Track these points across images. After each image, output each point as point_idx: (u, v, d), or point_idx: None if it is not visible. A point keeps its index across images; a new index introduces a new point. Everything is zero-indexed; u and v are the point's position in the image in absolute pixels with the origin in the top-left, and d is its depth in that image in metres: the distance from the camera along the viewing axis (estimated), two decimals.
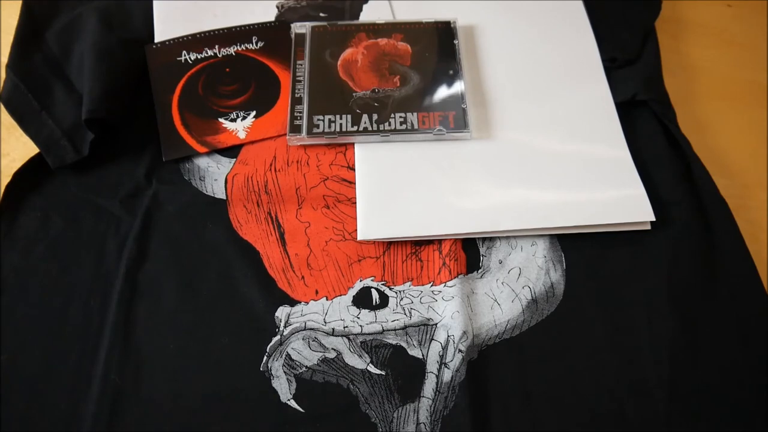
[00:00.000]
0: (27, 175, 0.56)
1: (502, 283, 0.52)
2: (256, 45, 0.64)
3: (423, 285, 0.51)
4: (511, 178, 0.56)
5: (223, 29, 0.64)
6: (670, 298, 0.50)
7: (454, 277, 0.51)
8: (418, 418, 0.46)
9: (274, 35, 0.64)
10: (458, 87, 0.60)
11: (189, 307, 0.50)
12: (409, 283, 0.52)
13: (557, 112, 0.60)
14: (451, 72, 0.61)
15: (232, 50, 0.63)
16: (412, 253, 0.53)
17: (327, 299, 0.51)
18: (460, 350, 0.48)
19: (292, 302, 0.51)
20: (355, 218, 0.54)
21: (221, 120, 0.59)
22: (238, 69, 0.62)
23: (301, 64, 0.62)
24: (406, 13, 0.67)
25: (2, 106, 0.58)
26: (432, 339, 0.49)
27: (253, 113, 0.60)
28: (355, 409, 0.47)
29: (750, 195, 0.59)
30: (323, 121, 0.58)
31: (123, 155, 0.58)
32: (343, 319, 0.50)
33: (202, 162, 0.58)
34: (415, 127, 0.58)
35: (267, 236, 0.54)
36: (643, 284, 0.51)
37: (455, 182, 0.55)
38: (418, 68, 0.62)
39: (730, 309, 0.50)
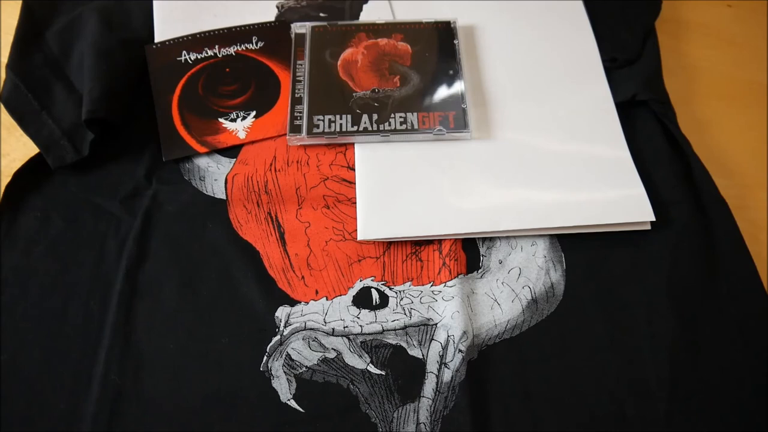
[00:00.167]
0: (27, 175, 0.56)
1: (502, 283, 0.52)
2: (256, 45, 0.64)
3: (423, 285, 0.51)
4: (511, 178, 0.56)
5: (223, 29, 0.64)
6: (670, 298, 0.50)
7: (454, 277, 0.51)
8: (418, 418, 0.46)
9: (274, 35, 0.64)
10: (458, 87, 0.60)
11: (189, 307, 0.50)
12: (409, 283, 0.52)
13: (557, 112, 0.60)
14: (451, 72, 0.61)
15: (232, 50, 0.63)
16: (412, 253, 0.53)
17: (327, 299, 0.51)
18: (460, 350, 0.48)
19: (292, 302, 0.51)
20: (355, 218, 0.54)
21: (221, 120, 0.59)
22: (238, 69, 0.62)
23: (301, 64, 0.62)
24: (406, 13, 0.67)
25: (2, 106, 0.58)
26: (432, 339, 0.49)
27: (253, 113, 0.60)
28: (355, 409, 0.47)
29: (750, 195, 0.59)
30: (323, 121, 0.58)
31: (123, 155, 0.58)
32: (343, 319, 0.50)
33: (202, 162, 0.58)
34: (415, 127, 0.58)
35: (267, 236, 0.54)
36: (643, 284, 0.51)
37: (455, 182, 0.55)
38: (418, 68, 0.62)
39: (730, 309, 0.50)
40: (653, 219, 0.53)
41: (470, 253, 0.53)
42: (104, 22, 0.62)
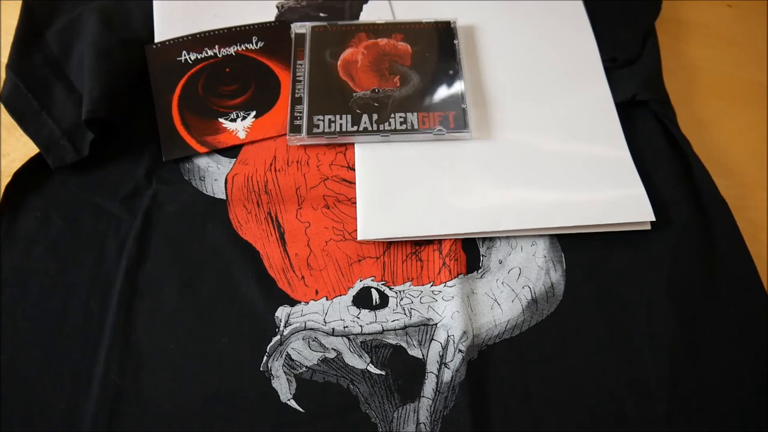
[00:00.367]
0: (27, 175, 0.56)
1: (502, 283, 0.52)
2: (256, 45, 0.64)
3: (423, 285, 0.51)
4: (511, 178, 0.56)
5: (223, 29, 0.64)
6: (670, 298, 0.50)
7: (454, 277, 0.51)
8: (418, 418, 0.46)
9: (274, 35, 0.64)
10: (458, 87, 0.60)
11: (189, 307, 0.50)
12: (409, 283, 0.52)
13: (557, 112, 0.60)
14: (451, 72, 0.61)
15: (232, 50, 0.63)
16: (412, 253, 0.53)
17: (327, 299, 0.51)
18: (460, 350, 0.48)
19: (292, 302, 0.51)
20: (355, 218, 0.54)
21: (221, 120, 0.59)
22: (238, 69, 0.62)
23: (301, 64, 0.62)
24: (406, 13, 0.67)
25: (2, 106, 0.58)
26: (432, 339, 0.49)
27: (253, 113, 0.60)
28: (355, 409, 0.47)
29: (750, 195, 0.59)
30: (323, 121, 0.58)
31: (123, 155, 0.58)
32: (343, 319, 0.50)
33: (202, 162, 0.58)
34: (415, 127, 0.58)
35: (267, 236, 0.54)
36: (643, 284, 0.51)
37: (455, 182, 0.55)
38: (418, 68, 0.62)
39: (730, 309, 0.50)
40: (653, 219, 0.53)
41: (470, 253, 0.53)
42: (104, 22, 0.62)
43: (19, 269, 0.52)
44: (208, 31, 0.64)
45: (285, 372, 0.48)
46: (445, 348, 0.48)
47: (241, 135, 0.59)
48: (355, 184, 0.56)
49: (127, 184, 0.56)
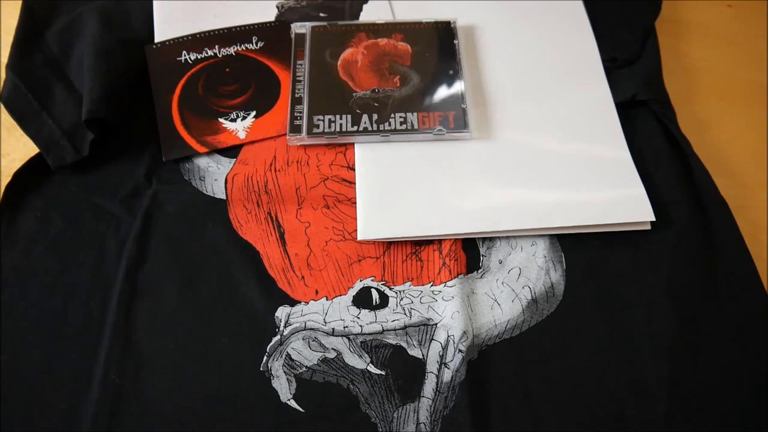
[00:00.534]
0: (27, 175, 0.56)
1: (502, 283, 0.52)
2: (256, 45, 0.64)
3: (423, 285, 0.51)
4: (511, 178, 0.56)
5: (223, 29, 0.64)
6: (670, 298, 0.50)
7: (454, 277, 0.51)
8: (418, 418, 0.46)
9: (274, 35, 0.64)
10: (458, 87, 0.60)
11: (189, 307, 0.50)
12: (409, 283, 0.52)
13: (557, 112, 0.60)
14: (451, 72, 0.61)
15: (232, 50, 0.63)
16: (412, 253, 0.53)
17: (327, 299, 0.51)
18: (460, 350, 0.48)
19: (292, 302, 0.51)
20: (355, 218, 0.54)
21: (221, 120, 0.59)
22: (238, 69, 0.62)
23: (301, 64, 0.62)
24: (406, 13, 0.67)
25: (2, 106, 0.58)
26: (432, 339, 0.49)
27: (253, 113, 0.60)
28: (355, 409, 0.47)
29: (750, 195, 0.59)
30: (323, 121, 0.58)
31: (123, 155, 0.58)
32: (343, 319, 0.50)
33: (202, 162, 0.58)
34: (415, 127, 0.58)
35: (267, 236, 0.54)
36: (643, 284, 0.51)
37: (455, 182, 0.55)
38: (418, 68, 0.62)
39: (730, 309, 0.50)
40: (653, 219, 0.53)
41: (470, 253, 0.53)
42: (104, 22, 0.62)
43: (19, 269, 0.52)
44: (208, 31, 0.64)
45: (285, 372, 0.48)
46: (445, 348, 0.48)
47: (241, 135, 0.59)
48: (355, 184, 0.56)
49: (127, 184, 0.56)
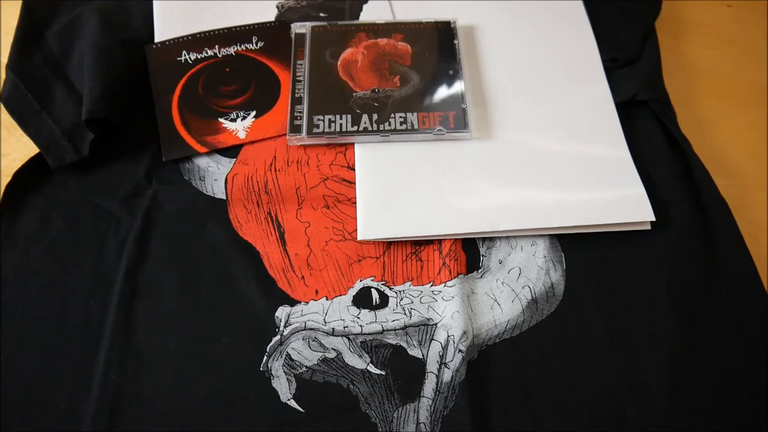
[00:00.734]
0: (27, 175, 0.56)
1: (502, 283, 0.52)
2: (256, 45, 0.64)
3: (423, 285, 0.51)
4: (511, 178, 0.56)
5: (223, 29, 0.64)
6: (670, 298, 0.50)
7: (454, 277, 0.51)
8: (418, 417, 0.46)
9: (274, 35, 0.64)
10: (458, 87, 0.60)
11: (189, 307, 0.50)
12: (409, 283, 0.52)
13: (557, 112, 0.60)
14: (451, 72, 0.61)
15: (232, 50, 0.63)
16: (412, 253, 0.53)
17: (327, 299, 0.51)
18: (460, 350, 0.48)
19: (292, 302, 0.51)
20: (355, 218, 0.54)
21: (221, 120, 0.59)
22: (238, 69, 0.62)
23: (301, 64, 0.62)
24: (406, 13, 0.67)
25: (2, 106, 0.58)
26: (432, 339, 0.49)
27: (253, 113, 0.60)
28: (355, 409, 0.47)
29: (750, 195, 0.59)
30: (323, 121, 0.58)
31: (123, 155, 0.58)
32: (343, 319, 0.50)
33: (202, 162, 0.58)
34: (415, 127, 0.58)
35: (267, 236, 0.54)
36: (643, 284, 0.51)
37: (455, 182, 0.55)
38: (418, 68, 0.62)
39: (730, 309, 0.50)
40: (653, 219, 0.53)
41: (470, 253, 0.53)
42: (104, 22, 0.62)
43: (19, 269, 0.52)
44: (208, 31, 0.64)
45: (285, 372, 0.48)
46: (445, 348, 0.48)
47: (241, 135, 0.59)
48: (355, 184, 0.56)
49: (127, 184, 0.56)
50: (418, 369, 0.48)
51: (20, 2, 0.64)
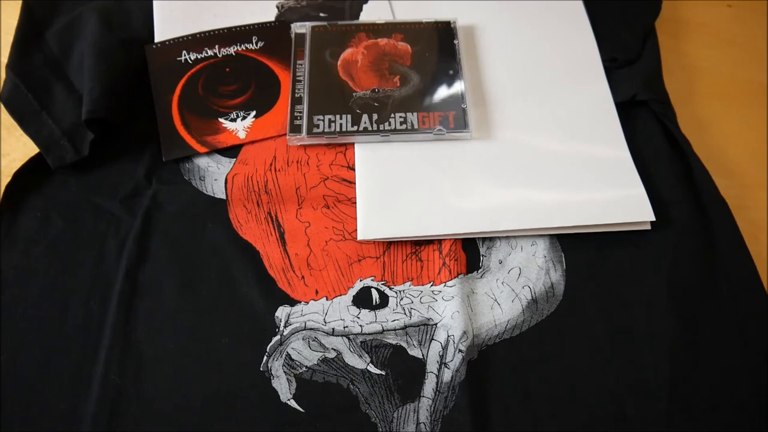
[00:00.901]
0: (27, 175, 0.56)
1: (502, 283, 0.52)
2: (256, 45, 0.64)
3: (423, 285, 0.51)
4: (511, 178, 0.56)
5: (223, 29, 0.64)
6: (670, 298, 0.50)
7: (454, 277, 0.51)
8: (418, 417, 0.46)
9: (274, 35, 0.64)
10: (458, 87, 0.60)
11: (189, 307, 0.50)
12: (409, 283, 0.52)
13: (557, 112, 0.60)
14: (451, 72, 0.61)
15: (232, 50, 0.63)
16: (412, 253, 0.53)
17: (327, 299, 0.51)
18: (460, 350, 0.48)
19: (292, 302, 0.51)
20: (355, 218, 0.54)
21: (221, 120, 0.59)
22: (238, 69, 0.62)
23: (301, 64, 0.62)
24: (406, 13, 0.67)
25: (2, 106, 0.58)
26: (432, 339, 0.49)
27: (253, 113, 0.60)
28: (355, 409, 0.47)
29: (750, 195, 0.59)
30: (323, 121, 0.58)
31: (123, 155, 0.58)
32: (343, 319, 0.50)
33: (202, 162, 0.58)
34: (415, 127, 0.58)
35: (267, 236, 0.54)
36: (643, 284, 0.51)
37: (455, 182, 0.55)
38: (418, 68, 0.62)
39: (730, 309, 0.50)
40: (653, 219, 0.53)
41: (470, 253, 0.53)
42: (104, 22, 0.62)
43: (19, 269, 0.52)
44: (208, 31, 0.64)
45: (285, 372, 0.48)
46: (445, 348, 0.48)
47: (241, 135, 0.59)
48: (355, 184, 0.56)
49: (127, 184, 0.56)
50: (418, 369, 0.48)
51: (20, 2, 0.64)
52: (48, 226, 0.54)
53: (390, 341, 0.49)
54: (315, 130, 0.57)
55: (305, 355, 0.48)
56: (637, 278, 0.51)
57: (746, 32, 0.71)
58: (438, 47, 0.63)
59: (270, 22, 0.65)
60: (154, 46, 0.63)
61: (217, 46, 0.63)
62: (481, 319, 0.50)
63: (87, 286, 0.51)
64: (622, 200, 0.54)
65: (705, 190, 0.55)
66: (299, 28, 0.64)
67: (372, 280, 0.52)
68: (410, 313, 0.50)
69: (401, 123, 0.58)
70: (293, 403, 0.47)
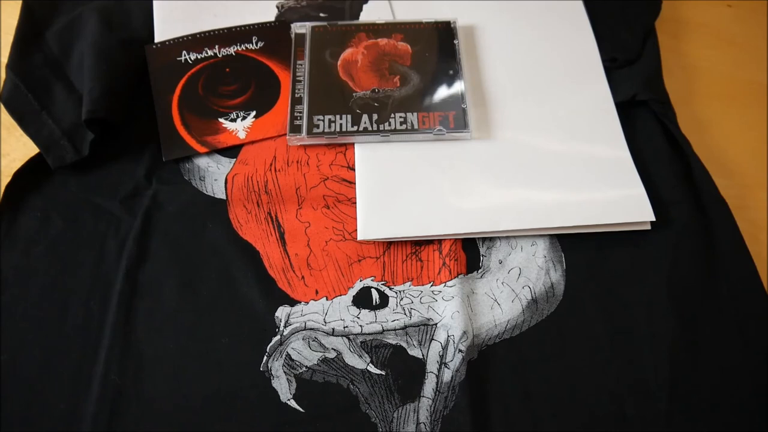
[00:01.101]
0: (27, 175, 0.56)
1: (502, 283, 0.52)
2: (256, 45, 0.64)
3: (423, 285, 0.51)
4: (511, 178, 0.56)
5: (223, 29, 0.64)
6: (670, 298, 0.50)
7: (454, 277, 0.51)
8: (418, 417, 0.46)
9: (274, 35, 0.64)
10: (458, 87, 0.60)
11: (189, 307, 0.50)
12: (409, 283, 0.52)
13: (557, 112, 0.60)
14: (451, 72, 0.61)
15: (232, 50, 0.63)
16: (412, 253, 0.53)
17: (327, 299, 0.51)
18: (460, 350, 0.48)
19: (292, 302, 0.51)
20: (355, 218, 0.54)
21: (221, 120, 0.59)
22: (238, 69, 0.62)
23: (301, 64, 0.62)
24: (406, 13, 0.67)
25: (2, 106, 0.58)
26: (432, 339, 0.49)
27: (253, 113, 0.60)
28: (355, 409, 0.47)
29: (750, 195, 0.59)
30: (323, 121, 0.58)
31: (123, 155, 0.58)
32: (343, 319, 0.50)
33: (202, 162, 0.58)
34: (415, 127, 0.58)
35: (267, 236, 0.54)
36: (643, 284, 0.51)
37: (455, 182, 0.55)
38: (418, 68, 0.62)
39: (730, 309, 0.50)
40: (653, 219, 0.53)
41: (470, 253, 0.53)
42: (104, 22, 0.62)
43: (19, 269, 0.52)
44: (208, 31, 0.64)
45: (285, 372, 0.48)
46: (445, 348, 0.48)
47: (241, 135, 0.59)
48: (355, 184, 0.56)
49: (127, 184, 0.56)
50: (418, 369, 0.48)
51: (20, 2, 0.64)
52: (48, 226, 0.54)
53: (390, 341, 0.49)
54: (315, 130, 0.57)
55: (305, 355, 0.48)
56: (637, 278, 0.51)
57: (746, 32, 0.71)
58: (438, 47, 0.63)
59: (270, 22, 0.65)
60: (154, 46, 0.63)
61: (217, 46, 0.63)
62: (481, 319, 0.50)
63: (87, 286, 0.51)
64: (622, 200, 0.54)
65: (705, 190, 0.55)
66: (299, 28, 0.64)
67: (372, 280, 0.52)
68: (410, 313, 0.50)
69: (401, 123, 0.58)
70: (293, 403, 0.47)
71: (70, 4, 0.65)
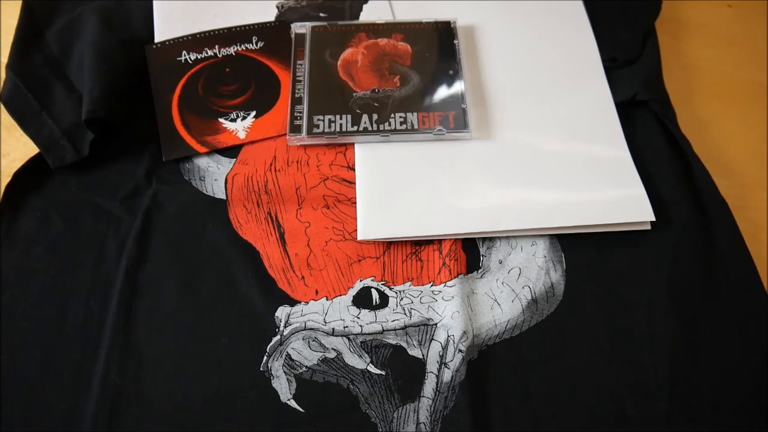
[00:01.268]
0: (27, 175, 0.56)
1: (502, 283, 0.52)
2: (256, 45, 0.64)
3: (423, 285, 0.51)
4: (511, 178, 0.56)
5: (223, 29, 0.64)
6: (670, 298, 0.50)
7: (454, 277, 0.51)
8: (418, 417, 0.46)
9: (274, 35, 0.64)
10: (458, 87, 0.60)
11: (189, 307, 0.50)
12: (409, 283, 0.52)
13: (557, 112, 0.60)
14: (451, 72, 0.61)
15: (232, 50, 0.63)
16: (412, 253, 0.53)
17: (327, 299, 0.51)
18: (460, 350, 0.48)
19: (292, 302, 0.51)
20: (355, 218, 0.54)
21: (221, 120, 0.59)
22: (238, 69, 0.62)
23: (301, 64, 0.62)
24: (406, 13, 0.67)
25: (2, 106, 0.58)
26: (432, 339, 0.49)
27: (253, 113, 0.60)
28: (355, 409, 0.47)
29: (750, 195, 0.59)
30: (323, 121, 0.58)
31: (123, 155, 0.58)
32: (343, 319, 0.50)
33: (202, 162, 0.58)
34: (415, 127, 0.58)
35: (267, 236, 0.54)
36: (643, 284, 0.51)
37: (455, 182, 0.55)
38: (418, 68, 0.62)
39: (730, 309, 0.50)
40: (653, 219, 0.53)
41: (470, 253, 0.53)
42: (104, 22, 0.62)
43: (19, 269, 0.52)
44: (208, 31, 0.64)
45: (285, 372, 0.48)
46: (445, 348, 0.48)
47: (241, 135, 0.59)
48: (355, 184, 0.56)
49: (127, 184, 0.56)
50: (418, 369, 0.48)
51: (20, 2, 0.64)
52: (48, 226, 0.54)
53: (390, 341, 0.49)
54: (315, 130, 0.57)
55: (305, 355, 0.48)
56: (637, 278, 0.51)
57: (746, 32, 0.71)
58: (438, 47, 0.63)
59: (270, 22, 0.66)
60: (154, 46, 0.63)
61: (217, 46, 0.63)
62: (481, 319, 0.50)
63: (87, 286, 0.51)
64: (622, 200, 0.54)
65: (705, 190, 0.55)
66: (299, 28, 0.64)
67: (372, 280, 0.52)
68: (410, 313, 0.50)
69: (401, 123, 0.58)
70: (293, 403, 0.47)
71: (70, 4, 0.65)
